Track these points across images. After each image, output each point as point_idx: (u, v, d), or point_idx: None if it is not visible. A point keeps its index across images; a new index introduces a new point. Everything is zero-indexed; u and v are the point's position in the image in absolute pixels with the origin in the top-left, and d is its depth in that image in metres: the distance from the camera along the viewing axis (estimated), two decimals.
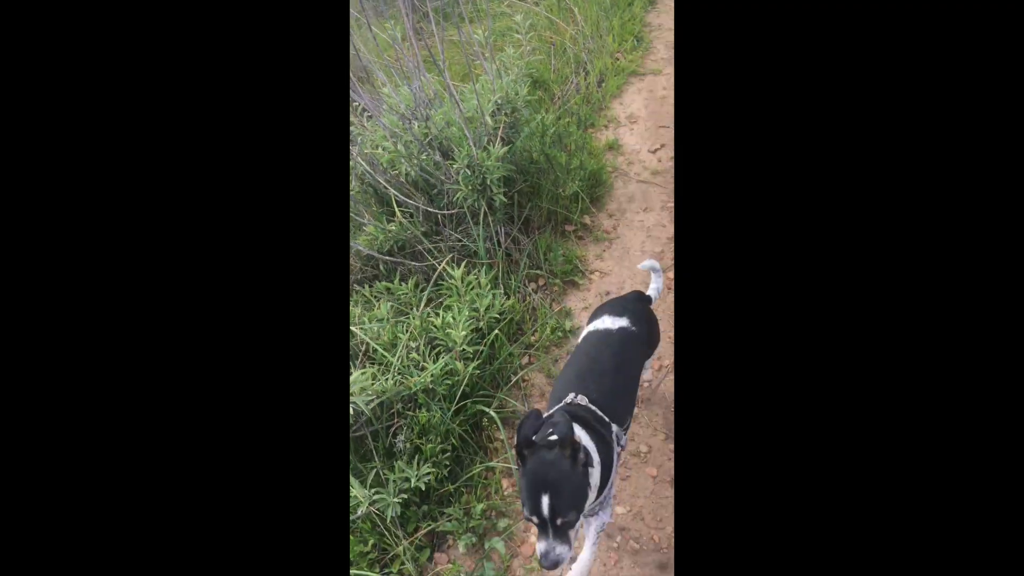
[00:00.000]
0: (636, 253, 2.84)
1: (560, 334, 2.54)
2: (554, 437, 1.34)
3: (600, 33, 4.25)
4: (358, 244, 2.81)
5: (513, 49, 3.20)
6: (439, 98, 2.84)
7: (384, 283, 2.71)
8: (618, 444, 1.55)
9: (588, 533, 1.58)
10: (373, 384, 2.08)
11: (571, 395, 1.56)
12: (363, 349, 2.35)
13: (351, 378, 1.96)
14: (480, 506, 1.98)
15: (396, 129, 2.84)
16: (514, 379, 2.37)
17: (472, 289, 2.47)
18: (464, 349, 2.24)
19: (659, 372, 2.36)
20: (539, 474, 1.28)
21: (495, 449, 2.19)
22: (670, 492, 2.00)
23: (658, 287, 2.08)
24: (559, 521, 1.28)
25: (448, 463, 2.09)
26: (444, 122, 2.68)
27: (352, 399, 1.93)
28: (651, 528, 1.93)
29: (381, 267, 2.87)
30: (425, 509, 2.03)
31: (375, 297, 2.66)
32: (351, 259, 2.92)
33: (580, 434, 1.41)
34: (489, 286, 2.49)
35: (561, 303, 2.69)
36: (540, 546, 1.30)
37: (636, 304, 1.89)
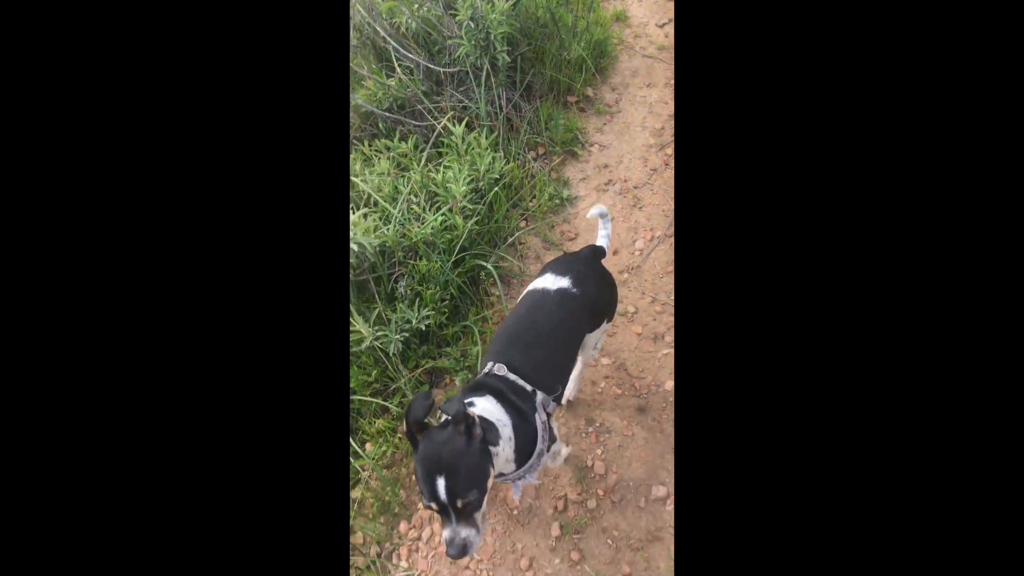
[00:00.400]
0: (637, 128, 2.83)
1: (557, 201, 2.58)
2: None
3: None
4: (357, 98, 2.73)
5: None
6: None
7: (384, 141, 2.67)
8: (544, 411, 1.44)
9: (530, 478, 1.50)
10: (375, 231, 2.13)
11: (489, 365, 1.46)
12: (364, 199, 2.36)
13: (352, 220, 1.99)
14: (476, 348, 2.11)
15: None
16: (510, 239, 2.44)
17: (472, 149, 2.46)
18: (464, 205, 2.27)
19: (651, 242, 2.45)
20: (431, 456, 1.18)
21: (491, 303, 2.30)
22: (652, 347, 2.16)
23: (607, 233, 1.83)
24: (459, 503, 1.18)
25: (446, 310, 2.19)
26: None
27: (354, 241, 1.98)
28: (633, 377, 2.10)
29: (380, 125, 2.81)
30: (425, 349, 2.16)
31: (375, 154, 2.63)
32: (351, 115, 2.84)
33: (493, 408, 1.35)
34: (489, 148, 2.48)
35: (559, 172, 2.71)
36: (444, 534, 1.21)
37: (584, 264, 1.67)
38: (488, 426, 1.27)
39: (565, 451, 1.48)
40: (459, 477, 1.17)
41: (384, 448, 2.01)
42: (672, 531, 1.74)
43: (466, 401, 1.31)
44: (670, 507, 1.79)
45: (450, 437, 1.20)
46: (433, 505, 1.19)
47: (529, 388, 1.42)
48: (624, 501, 1.83)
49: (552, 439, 1.48)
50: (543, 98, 2.85)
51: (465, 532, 1.19)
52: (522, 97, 2.81)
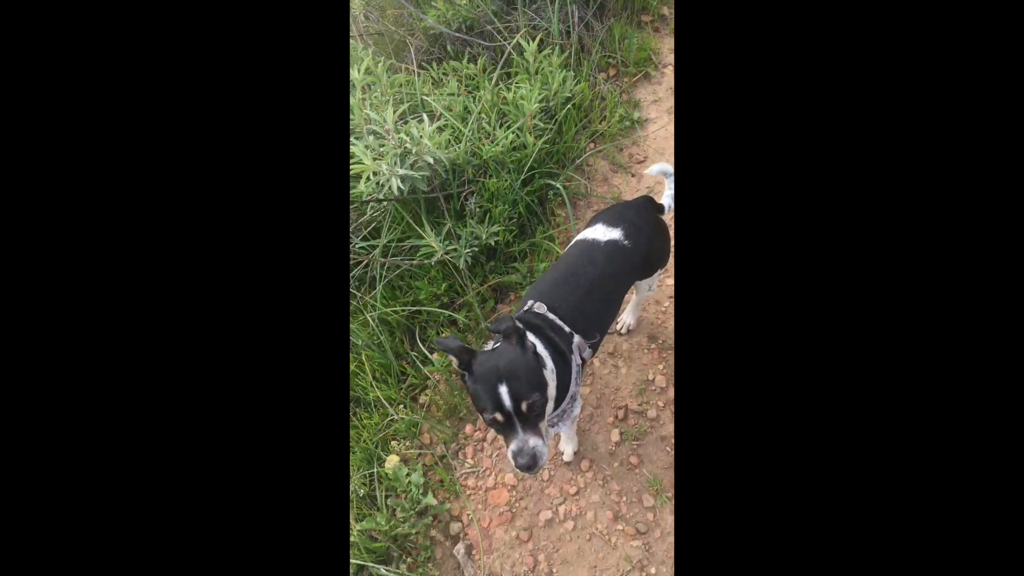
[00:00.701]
0: None
1: (628, 123, 2.53)
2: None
3: None
4: (427, 19, 2.72)
5: None
6: None
7: (452, 63, 2.67)
8: (580, 355, 1.43)
9: (562, 432, 1.54)
10: (446, 149, 2.17)
11: (530, 302, 1.46)
12: (436, 116, 2.39)
13: (427, 132, 2.03)
14: (543, 265, 2.16)
15: None
16: (578, 161, 2.42)
17: (543, 68, 2.43)
18: (536, 123, 2.27)
19: None
20: (489, 370, 1.18)
21: (557, 223, 2.32)
22: None
23: (672, 194, 1.78)
24: (524, 406, 1.17)
25: (514, 228, 2.24)
26: None
27: (429, 154, 2.02)
28: None
29: (448, 48, 2.80)
30: (492, 264, 2.22)
31: (443, 75, 2.64)
32: (419, 40, 2.84)
33: (531, 339, 1.31)
34: (560, 67, 2.44)
35: (631, 94, 2.64)
36: (511, 447, 1.19)
37: (640, 214, 1.61)
38: (535, 348, 1.28)
39: (578, 408, 1.52)
40: (520, 380, 1.17)
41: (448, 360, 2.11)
42: None
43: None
44: None
45: (504, 350, 1.22)
46: (498, 415, 1.18)
47: (567, 329, 1.42)
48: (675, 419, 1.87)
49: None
50: (616, 16, 2.75)
51: (533, 441, 1.19)
52: (595, 16, 2.72)
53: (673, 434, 1.85)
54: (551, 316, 1.43)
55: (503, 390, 1.16)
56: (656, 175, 1.80)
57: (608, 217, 1.60)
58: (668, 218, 1.79)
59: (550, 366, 1.33)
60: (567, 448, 1.83)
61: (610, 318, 1.60)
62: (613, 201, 2.35)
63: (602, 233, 1.55)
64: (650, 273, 1.69)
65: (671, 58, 2.73)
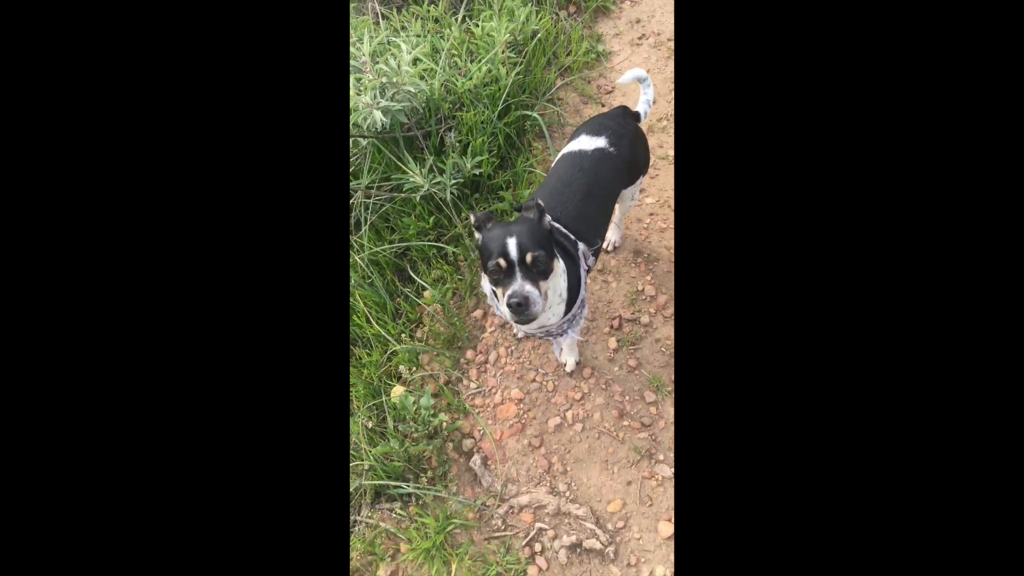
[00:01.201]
0: None
1: (593, 56, 2.59)
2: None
3: None
4: None
5: None
6: None
7: (413, 7, 2.66)
8: (585, 262, 1.51)
9: (562, 347, 1.63)
10: (420, 84, 2.17)
11: None
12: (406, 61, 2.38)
13: (403, 67, 2.03)
14: (528, 191, 2.21)
15: None
16: (548, 94, 2.47)
17: (507, 4, 2.45)
18: (508, 55, 2.30)
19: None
20: (501, 229, 1.28)
21: (536, 154, 2.37)
22: None
23: (649, 99, 1.82)
24: (528, 257, 1.24)
25: (496, 160, 2.27)
26: None
27: (409, 84, 2.03)
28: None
29: None
30: (477, 197, 2.26)
31: (404, 24, 2.63)
32: None
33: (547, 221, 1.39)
34: (524, 2, 2.47)
35: (592, 28, 2.70)
36: (508, 290, 1.25)
37: (619, 122, 1.68)
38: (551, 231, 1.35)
39: (586, 311, 1.59)
40: (529, 238, 1.25)
41: (445, 289, 2.15)
42: None
43: None
44: None
45: (521, 219, 1.31)
46: (501, 261, 1.24)
47: (572, 237, 1.47)
48: (674, 316, 1.98)
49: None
50: None
51: (529, 287, 1.24)
52: None
53: (667, 336, 1.95)
54: (556, 224, 1.46)
55: (511, 241, 1.24)
56: (630, 82, 1.85)
57: (590, 128, 1.66)
58: (645, 125, 1.86)
59: (561, 266, 1.40)
60: (569, 359, 1.91)
61: (605, 225, 1.68)
62: None
63: (587, 143, 1.61)
64: (633, 180, 1.76)
65: None
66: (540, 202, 1.33)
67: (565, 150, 1.66)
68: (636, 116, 1.79)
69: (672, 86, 2.50)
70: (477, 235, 1.34)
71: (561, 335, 1.56)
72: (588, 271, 1.55)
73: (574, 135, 1.70)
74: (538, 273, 1.28)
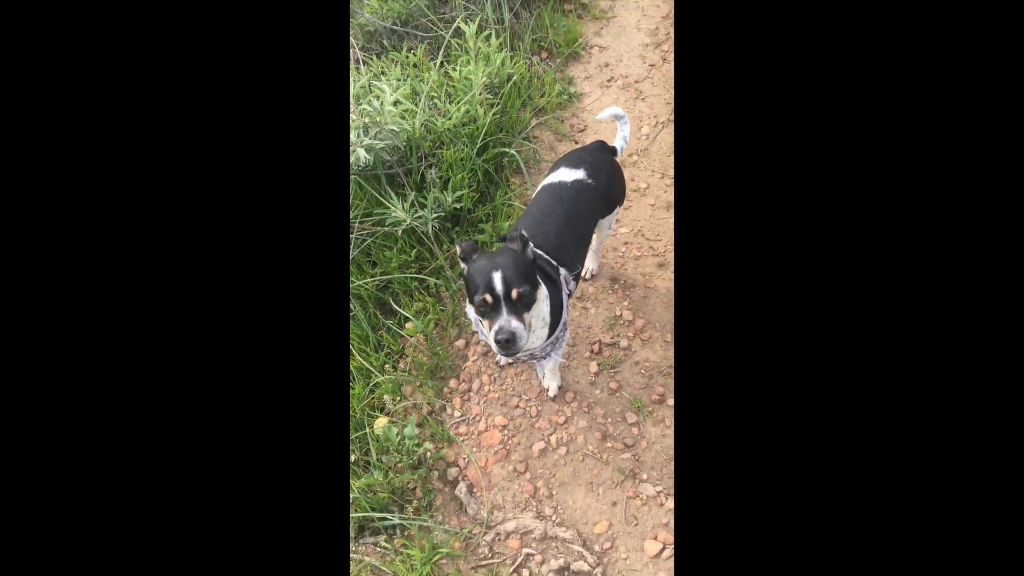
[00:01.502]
0: (632, 30, 2.98)
1: (566, 97, 2.73)
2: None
3: None
4: (363, 13, 2.83)
5: None
6: None
7: (392, 54, 2.79)
8: (566, 287, 1.55)
9: (545, 371, 1.69)
10: (402, 124, 2.26)
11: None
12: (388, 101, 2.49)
13: (387, 102, 2.12)
14: (506, 223, 2.28)
15: None
16: (525, 132, 2.59)
17: (483, 50, 2.59)
18: (485, 96, 2.42)
19: (655, 128, 2.62)
20: (487, 262, 1.30)
21: (514, 188, 2.46)
22: (665, 215, 2.35)
23: (625, 135, 1.92)
24: (514, 292, 1.27)
25: (475, 195, 2.35)
26: None
27: (391, 125, 2.11)
28: (650, 240, 2.29)
29: (385, 43, 2.92)
30: (458, 230, 2.32)
31: (383, 70, 2.75)
32: (355, 35, 2.94)
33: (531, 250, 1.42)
34: (499, 48, 2.61)
35: (564, 72, 2.86)
36: (495, 325, 1.28)
37: (596, 155, 1.76)
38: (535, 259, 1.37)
39: (567, 335, 1.63)
40: (514, 271, 1.28)
41: (427, 320, 2.18)
42: None
43: None
44: None
45: (505, 250, 1.35)
46: (488, 297, 1.27)
47: (554, 263, 1.53)
48: (652, 339, 2.04)
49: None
50: (543, 5, 2.98)
51: (515, 323, 1.28)
52: (522, 5, 2.93)
53: (645, 359, 2.00)
54: (539, 251, 1.53)
55: (497, 276, 1.27)
56: (608, 118, 1.95)
57: (569, 161, 1.75)
58: (620, 160, 1.96)
59: (544, 292, 1.44)
60: (552, 384, 1.94)
61: (584, 252, 1.74)
62: None
63: (567, 175, 1.69)
64: (610, 210, 1.84)
65: (596, 39, 2.98)
66: (523, 232, 1.37)
67: (545, 181, 1.74)
68: (613, 151, 1.88)
69: (640, 123, 2.64)
70: (463, 265, 1.37)
71: (544, 358, 1.60)
72: (569, 296, 1.61)
73: (554, 167, 1.78)
74: (523, 305, 1.32)
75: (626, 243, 2.30)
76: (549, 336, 1.52)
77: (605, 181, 1.72)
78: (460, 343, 2.15)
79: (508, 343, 1.28)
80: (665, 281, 2.17)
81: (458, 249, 1.36)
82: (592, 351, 2.04)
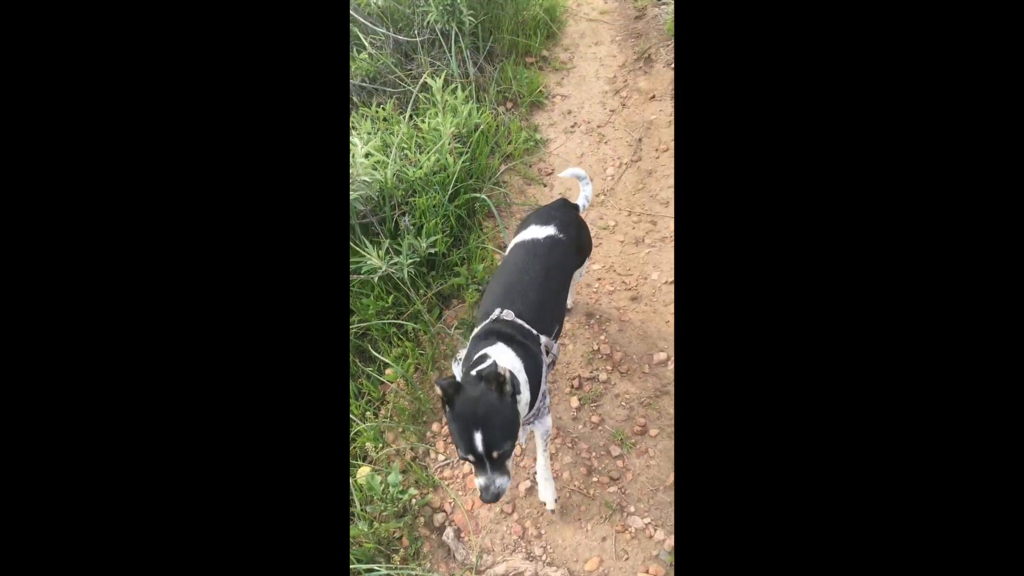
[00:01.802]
0: (592, 79, 3.15)
1: (532, 144, 2.85)
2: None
3: None
4: None
5: None
6: None
7: (363, 109, 2.88)
8: (547, 354, 1.55)
9: (537, 443, 1.67)
10: (374, 175, 2.33)
11: (497, 311, 1.53)
12: (360, 153, 2.56)
13: (359, 154, 2.19)
14: (480, 266, 2.33)
15: None
16: (494, 178, 2.68)
17: (450, 103, 2.70)
18: (455, 145, 2.51)
19: (619, 168, 2.74)
20: (468, 413, 1.27)
21: (486, 231, 2.52)
22: (635, 250, 2.43)
23: (587, 194, 2.00)
24: (495, 454, 1.28)
25: (449, 239, 2.41)
26: None
27: (362, 176, 2.17)
28: (621, 275, 2.36)
29: (355, 99, 3.02)
30: (433, 275, 2.36)
31: (354, 125, 2.84)
32: None
33: (505, 354, 1.43)
34: (465, 100, 2.73)
35: (529, 120, 2.99)
36: (479, 481, 1.30)
37: (562, 211, 1.81)
38: (511, 376, 1.32)
39: (548, 400, 1.61)
40: (495, 430, 1.26)
41: (407, 364, 2.18)
42: (673, 387, 1.99)
43: (480, 353, 1.43)
44: (671, 367, 2.05)
45: (483, 393, 1.28)
46: (470, 457, 1.28)
47: (534, 332, 1.51)
48: (631, 371, 2.07)
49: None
50: (504, 59, 3.13)
51: (499, 480, 1.29)
52: (486, 60, 3.08)
53: (625, 391, 2.03)
54: (519, 321, 1.51)
55: (477, 437, 1.26)
56: (569, 178, 2.01)
57: (539, 218, 1.78)
58: (584, 215, 2.04)
59: (524, 380, 1.42)
60: (547, 496, 1.79)
61: (562, 308, 1.75)
62: (532, 207, 2.62)
63: (538, 232, 1.71)
64: (582, 261, 1.89)
65: (557, 89, 3.13)
66: (503, 373, 1.30)
67: (516, 240, 1.77)
68: (576, 207, 1.94)
69: (604, 165, 2.76)
70: (446, 410, 1.32)
71: (529, 424, 1.56)
72: (552, 364, 1.58)
73: (522, 226, 1.82)
74: (505, 458, 1.31)
75: (599, 279, 2.36)
76: (529, 410, 1.48)
77: (575, 234, 1.78)
78: None
79: (494, 499, 1.30)
80: (639, 314, 2.22)
81: (439, 390, 1.31)
82: (572, 386, 2.06)
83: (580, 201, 1.98)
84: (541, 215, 1.80)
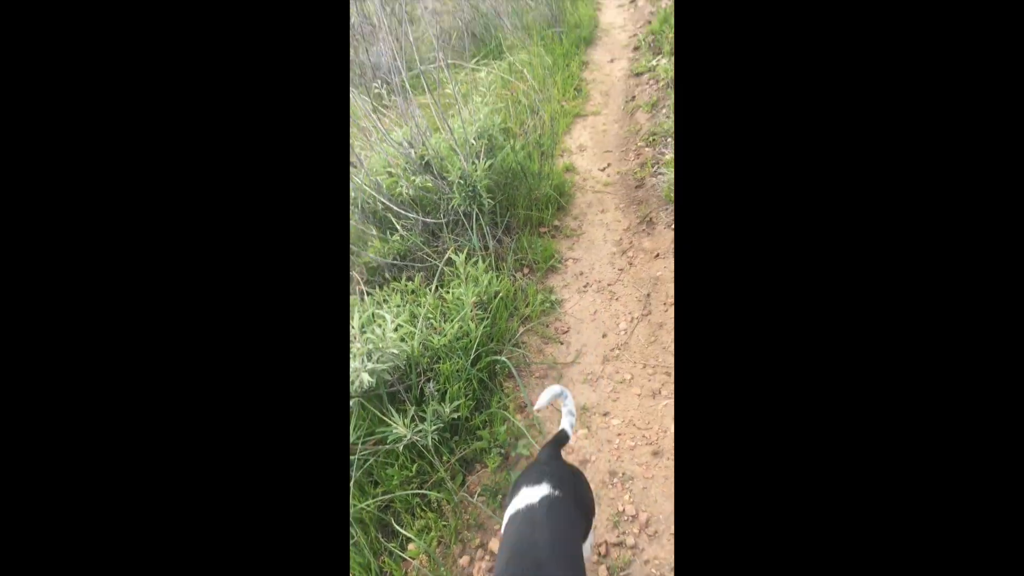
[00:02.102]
0: (600, 243, 3.44)
1: (548, 305, 3.05)
2: None
3: (547, 87, 5.07)
4: (367, 254, 3.30)
5: (480, 98, 3.92)
6: (431, 130, 3.47)
7: (393, 283, 3.19)
8: None
9: None
10: (402, 346, 2.52)
11: None
12: (390, 328, 2.78)
13: (388, 329, 2.39)
14: (502, 428, 2.39)
15: (394, 158, 3.43)
16: (514, 340, 2.85)
17: (472, 275, 2.98)
18: (476, 312, 2.72)
19: (631, 323, 2.88)
20: None
21: (507, 393, 2.63)
22: (652, 402, 2.48)
23: (571, 409, 1.74)
24: None
25: (472, 403, 2.51)
26: (439, 145, 3.29)
27: (392, 348, 2.36)
28: (641, 429, 2.38)
29: (387, 275, 3.35)
30: (456, 440, 2.43)
31: (385, 298, 3.13)
32: (360, 271, 3.39)
33: None
34: (485, 271, 3.01)
35: (544, 283, 3.23)
36: None
37: (552, 464, 1.60)
38: None
39: None
40: None
41: (430, 538, 2.17)
42: None
43: None
44: None
45: None
46: None
47: None
48: (658, 533, 2.01)
49: None
50: (520, 231, 3.48)
51: None
52: (504, 233, 3.43)
53: (655, 556, 1.95)
54: None
55: None
56: (547, 404, 1.76)
57: (528, 479, 1.55)
58: (576, 437, 2.01)
59: None
60: None
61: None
62: (550, 366, 2.73)
63: (532, 494, 1.48)
64: (588, 526, 1.61)
65: (569, 253, 3.42)
66: None
67: (510, 511, 1.50)
68: (563, 438, 1.71)
69: (617, 320, 2.91)
70: None
71: None
72: None
73: (513, 491, 1.56)
74: None
75: (619, 434, 2.38)
76: None
77: (571, 487, 1.54)
78: (464, 560, 2.11)
79: None
80: (662, 470, 2.20)
81: None
82: (600, 554, 2.00)
83: (565, 422, 1.72)
84: (530, 475, 1.56)
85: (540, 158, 3.85)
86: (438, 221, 3.39)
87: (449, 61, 4.67)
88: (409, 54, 4.49)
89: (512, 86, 4.89)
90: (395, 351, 2.37)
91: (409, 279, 3.14)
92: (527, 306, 3.04)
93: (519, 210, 3.52)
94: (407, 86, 3.60)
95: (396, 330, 2.47)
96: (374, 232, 3.41)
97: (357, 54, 5.71)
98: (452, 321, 2.67)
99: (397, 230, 3.41)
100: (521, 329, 2.94)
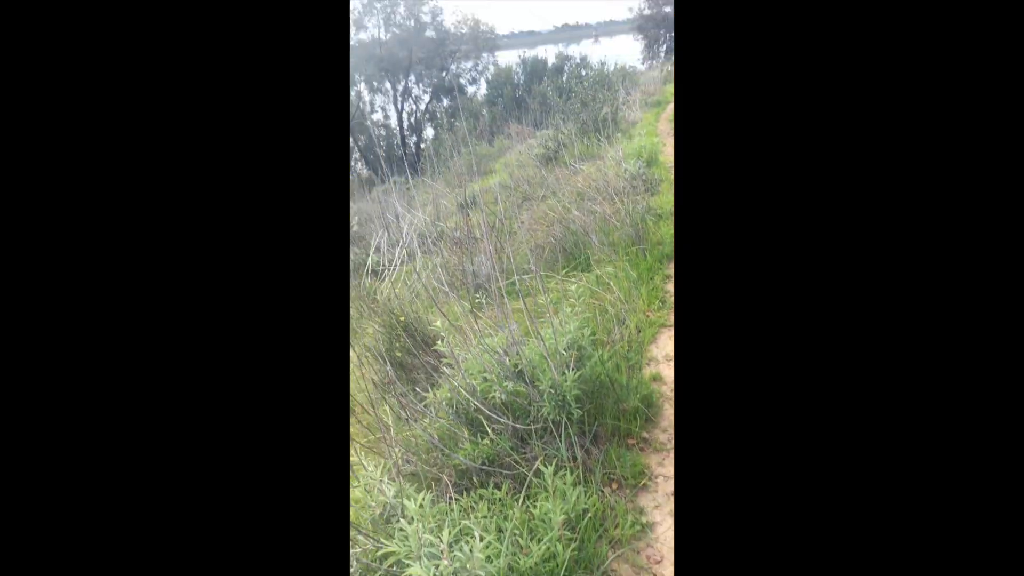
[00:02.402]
0: None
1: (638, 527, 2.89)
2: None
3: (632, 299, 5.40)
4: (458, 456, 3.37)
5: (570, 308, 4.25)
6: (525, 338, 3.74)
7: (480, 490, 3.19)
8: None
9: None
10: (487, 567, 2.45)
11: None
12: (479, 548, 2.73)
13: (477, 550, 2.35)
14: None
15: (488, 364, 3.67)
16: (603, 568, 2.67)
17: (559, 488, 2.94)
18: (563, 533, 2.63)
19: None
20: None
21: None
22: None
23: None
24: None
25: None
26: (531, 354, 3.52)
27: (478, 570, 2.30)
28: None
29: (474, 479, 3.37)
30: None
31: (473, 504, 3.11)
32: (449, 473, 3.44)
33: None
34: (574, 483, 2.96)
35: (635, 502, 3.10)
36: None
37: None
38: None
39: None
40: None
41: None
42: None
43: None
44: None
45: None
46: None
47: None
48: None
49: None
50: (608, 442, 3.46)
51: None
52: (592, 443, 3.43)
53: None
54: None
55: None
56: None
57: None
58: None
59: None
60: None
61: None
62: None
63: None
64: None
65: (659, 469, 3.31)
66: None
67: None
68: None
69: None
70: None
71: None
72: None
73: None
74: None
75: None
76: None
77: None
78: None
79: None
80: None
81: None
82: None
83: None
84: None
85: (628, 369, 3.97)
86: (527, 427, 3.47)
87: (542, 272, 5.19)
88: (507, 264, 5.07)
89: (599, 296, 5.26)
90: (481, 573, 2.30)
91: (496, 486, 3.14)
92: (616, 527, 2.90)
93: (607, 419, 3.55)
94: (503, 292, 4.00)
95: (487, 546, 2.43)
96: (465, 435, 3.53)
97: (461, 262, 6.49)
98: (539, 542, 2.59)
99: (487, 433, 3.51)
100: (611, 555, 2.77)
